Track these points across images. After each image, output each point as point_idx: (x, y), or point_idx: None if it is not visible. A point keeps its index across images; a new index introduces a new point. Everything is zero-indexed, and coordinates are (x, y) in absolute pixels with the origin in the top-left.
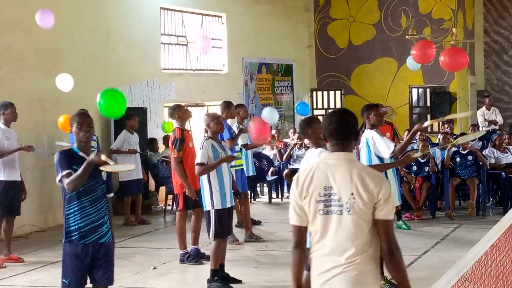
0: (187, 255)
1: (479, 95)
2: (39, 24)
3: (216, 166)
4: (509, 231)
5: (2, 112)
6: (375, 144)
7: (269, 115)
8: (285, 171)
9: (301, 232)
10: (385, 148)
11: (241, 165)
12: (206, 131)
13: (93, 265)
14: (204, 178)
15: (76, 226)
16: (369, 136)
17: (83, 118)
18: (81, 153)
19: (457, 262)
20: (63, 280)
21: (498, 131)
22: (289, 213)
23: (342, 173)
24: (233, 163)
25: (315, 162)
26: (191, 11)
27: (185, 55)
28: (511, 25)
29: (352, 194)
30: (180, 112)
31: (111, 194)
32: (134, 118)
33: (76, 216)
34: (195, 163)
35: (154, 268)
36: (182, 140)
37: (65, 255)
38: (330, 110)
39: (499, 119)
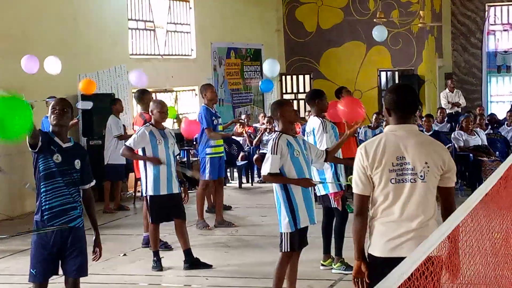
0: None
1: (447, 78)
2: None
3: (141, 159)
4: (474, 211)
5: None
6: (316, 136)
7: (270, 66)
8: (255, 156)
9: (363, 201)
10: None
11: (219, 152)
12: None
13: (64, 255)
14: (141, 165)
15: (46, 206)
16: (315, 125)
17: (57, 103)
18: (56, 138)
19: (423, 242)
20: (31, 270)
21: (466, 113)
22: (353, 183)
23: (413, 144)
24: (209, 150)
25: (382, 134)
26: None
27: (153, 41)
28: (478, 7)
29: (426, 163)
30: (148, 98)
31: (92, 183)
32: (119, 102)
33: (45, 197)
34: (124, 144)
35: (124, 254)
36: None
37: (32, 244)
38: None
39: (462, 101)
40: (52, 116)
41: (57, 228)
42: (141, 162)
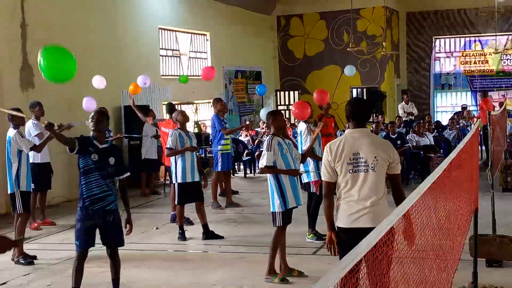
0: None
1: (403, 93)
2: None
3: (181, 152)
4: (424, 195)
5: (32, 110)
6: (302, 137)
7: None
8: (257, 153)
9: (329, 186)
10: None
11: (227, 149)
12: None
13: (103, 230)
14: (172, 160)
15: (87, 195)
16: (302, 129)
17: (95, 113)
18: (94, 141)
19: (386, 218)
20: (75, 242)
21: (418, 121)
22: (322, 172)
23: (366, 143)
24: (220, 147)
25: (343, 135)
26: (182, 30)
27: (178, 64)
28: (427, 39)
29: (375, 157)
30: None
31: (127, 174)
32: (152, 112)
33: (86, 187)
34: (165, 147)
35: (157, 228)
36: None
37: (77, 221)
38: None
39: (415, 111)
40: (91, 123)
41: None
42: (172, 157)
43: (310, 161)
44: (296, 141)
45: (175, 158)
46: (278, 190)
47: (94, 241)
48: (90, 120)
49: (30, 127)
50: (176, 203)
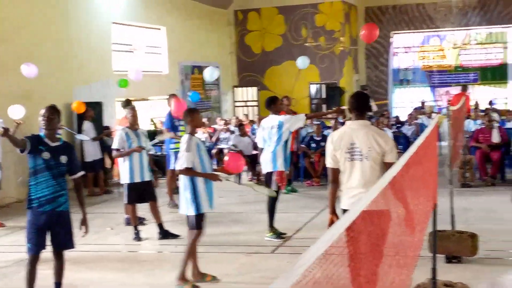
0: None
1: (362, 89)
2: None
3: (127, 154)
4: (385, 190)
5: None
6: (284, 124)
7: (210, 73)
8: (214, 150)
9: (334, 172)
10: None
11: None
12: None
13: (53, 232)
14: (120, 160)
15: (36, 196)
16: (283, 119)
17: (45, 111)
18: (46, 139)
19: (343, 216)
20: (27, 244)
21: (377, 116)
22: (326, 160)
23: (362, 134)
24: (173, 146)
25: (344, 127)
26: (136, 25)
27: (132, 59)
28: (386, 34)
29: (369, 147)
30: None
31: (81, 173)
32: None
33: (36, 188)
34: (111, 147)
35: (111, 228)
36: None
37: (27, 222)
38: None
39: (375, 107)
40: (43, 122)
41: None
42: (120, 158)
43: (279, 156)
44: (256, 137)
45: (123, 158)
46: (192, 194)
47: (45, 243)
48: (41, 118)
49: None
50: (125, 202)
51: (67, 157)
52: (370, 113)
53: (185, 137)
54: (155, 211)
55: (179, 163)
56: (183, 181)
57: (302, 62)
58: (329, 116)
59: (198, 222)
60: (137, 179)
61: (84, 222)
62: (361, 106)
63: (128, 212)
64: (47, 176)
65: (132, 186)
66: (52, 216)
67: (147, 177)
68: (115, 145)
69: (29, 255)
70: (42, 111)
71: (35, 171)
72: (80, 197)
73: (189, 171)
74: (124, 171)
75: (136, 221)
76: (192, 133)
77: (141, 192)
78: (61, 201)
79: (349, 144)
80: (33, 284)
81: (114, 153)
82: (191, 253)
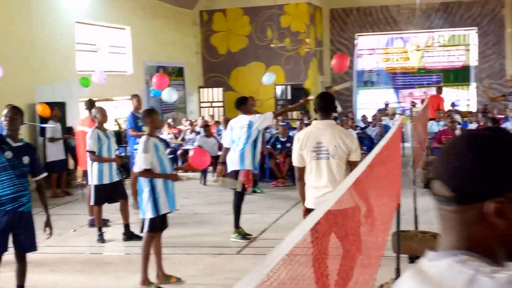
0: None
1: (328, 89)
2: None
3: (106, 161)
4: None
5: None
6: (254, 124)
7: (169, 93)
8: (179, 151)
9: (301, 170)
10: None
11: None
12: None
13: (15, 233)
14: (89, 161)
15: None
16: (252, 119)
17: (8, 111)
18: (8, 139)
19: (310, 215)
20: None
21: (342, 117)
22: (293, 159)
23: (328, 133)
24: (137, 146)
25: (310, 126)
26: (101, 25)
27: (96, 59)
28: (350, 36)
29: (335, 146)
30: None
31: (44, 174)
32: (56, 109)
33: (0, 186)
34: (87, 150)
35: (74, 230)
36: None
37: None
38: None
39: (339, 108)
40: (5, 122)
41: None
42: (89, 159)
43: (248, 155)
44: (221, 138)
45: (91, 160)
46: (151, 195)
47: (7, 245)
48: (3, 119)
49: None
50: (92, 204)
51: (29, 158)
52: (335, 114)
53: (143, 138)
54: (125, 211)
55: (137, 165)
56: (140, 183)
57: (268, 78)
58: (298, 105)
59: (153, 225)
60: (106, 181)
61: (48, 224)
62: (327, 106)
63: (93, 214)
64: (10, 175)
65: (100, 188)
66: (15, 216)
67: (116, 177)
68: (91, 147)
69: None
70: (5, 112)
71: None
72: (43, 199)
73: (148, 173)
74: (93, 173)
75: (100, 223)
76: (151, 134)
77: (109, 193)
78: (23, 201)
79: (316, 143)
80: None
81: (91, 156)
82: (147, 257)
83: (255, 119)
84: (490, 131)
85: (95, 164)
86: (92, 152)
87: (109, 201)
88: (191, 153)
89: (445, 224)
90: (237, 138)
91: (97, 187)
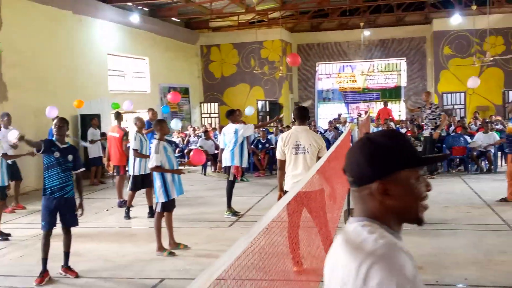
0: (122, 202)
1: (294, 104)
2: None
3: (166, 171)
4: (310, 180)
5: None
6: (239, 132)
7: (175, 123)
8: (186, 150)
9: (282, 162)
10: (247, 131)
11: None
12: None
13: (62, 213)
14: (131, 158)
15: (48, 186)
16: (238, 127)
17: (57, 121)
18: (56, 142)
19: (283, 197)
20: (41, 222)
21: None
22: (277, 153)
23: (304, 135)
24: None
25: (291, 129)
26: (126, 56)
27: (123, 82)
28: (313, 64)
29: (310, 144)
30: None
31: (82, 169)
32: (95, 119)
33: (48, 179)
34: (133, 148)
35: (107, 210)
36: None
37: (42, 206)
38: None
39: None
40: (54, 129)
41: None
42: (131, 155)
43: (236, 154)
44: (217, 141)
45: (134, 159)
46: (162, 185)
47: (55, 222)
48: (54, 126)
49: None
50: (129, 189)
51: (72, 156)
52: None
53: (154, 142)
54: (150, 196)
55: (150, 162)
56: (154, 176)
57: (249, 110)
58: (272, 124)
59: (165, 206)
60: (142, 172)
61: (80, 206)
62: (303, 116)
63: (121, 197)
64: (58, 170)
65: (137, 177)
66: (61, 201)
67: (147, 170)
68: (135, 146)
69: (43, 231)
70: (55, 121)
71: (48, 166)
72: (80, 188)
73: (158, 168)
74: (134, 166)
75: (131, 203)
76: (161, 138)
77: (141, 182)
78: (67, 190)
79: (295, 142)
80: (47, 253)
81: (135, 153)
82: (159, 230)
83: (239, 128)
84: (380, 134)
85: (137, 159)
86: (135, 150)
87: (140, 188)
88: (191, 153)
89: (354, 199)
90: (228, 141)
91: (135, 177)
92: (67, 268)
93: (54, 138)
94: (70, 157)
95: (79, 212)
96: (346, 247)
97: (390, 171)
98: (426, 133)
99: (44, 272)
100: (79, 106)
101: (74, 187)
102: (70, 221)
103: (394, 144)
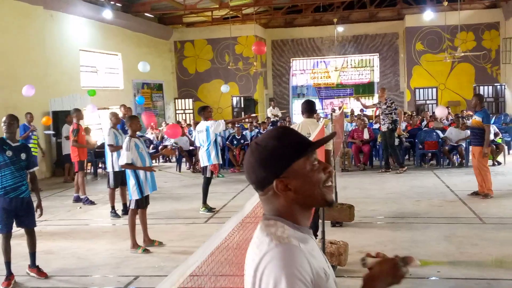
0: (85, 198)
1: (270, 100)
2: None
3: (138, 168)
4: None
5: None
6: (210, 129)
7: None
8: (160, 146)
9: None
10: (218, 129)
11: None
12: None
13: (19, 214)
14: (109, 156)
15: (2, 186)
16: (208, 124)
17: (6, 118)
18: (8, 140)
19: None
20: None
21: (281, 120)
22: None
23: (313, 127)
24: None
25: (300, 122)
26: (98, 51)
27: (96, 78)
28: (287, 60)
29: (308, 133)
30: (79, 115)
31: (35, 168)
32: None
33: (2, 179)
34: (108, 144)
35: (80, 207)
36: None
37: None
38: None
39: (279, 114)
40: (4, 127)
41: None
42: (108, 151)
43: (211, 152)
44: (192, 137)
45: (112, 155)
46: (136, 182)
47: (12, 225)
48: (3, 123)
49: None
50: (112, 187)
51: (25, 155)
52: (276, 118)
53: (126, 139)
54: (124, 193)
55: (121, 159)
56: (127, 173)
57: (225, 88)
58: (246, 120)
59: (138, 203)
60: (120, 168)
61: (39, 206)
62: (311, 109)
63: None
64: (12, 169)
65: (118, 173)
66: (17, 201)
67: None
68: (110, 141)
69: (2, 234)
70: (4, 119)
71: (1, 166)
72: (36, 187)
73: (129, 166)
74: (113, 162)
75: (113, 202)
76: (132, 135)
77: (122, 179)
78: (22, 189)
79: (306, 134)
80: (10, 255)
81: (111, 148)
82: (133, 227)
83: (210, 125)
84: (266, 137)
85: (115, 154)
86: (110, 145)
87: (120, 185)
88: (166, 128)
89: (262, 202)
90: (202, 140)
91: (115, 173)
92: (35, 268)
93: (4, 137)
94: (23, 156)
95: (38, 212)
96: (253, 246)
97: (284, 168)
98: (383, 128)
99: (10, 275)
100: (47, 123)
101: (28, 187)
102: (27, 222)
103: (279, 142)
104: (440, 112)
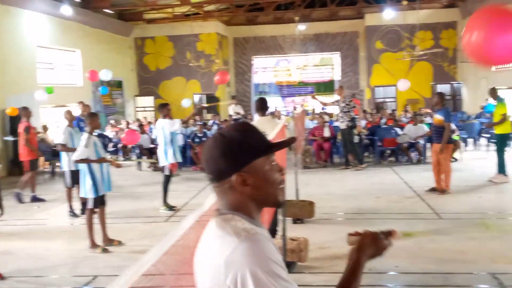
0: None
1: (233, 98)
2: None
3: (96, 161)
4: None
5: None
6: (165, 128)
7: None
8: (120, 144)
9: None
10: (173, 128)
11: None
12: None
13: None
14: (64, 154)
15: None
16: (164, 123)
17: None
18: None
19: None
20: None
21: (244, 118)
22: None
23: (269, 126)
24: None
25: (255, 120)
26: (57, 48)
27: (54, 75)
28: (249, 58)
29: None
30: (27, 113)
31: None
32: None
33: None
34: (59, 143)
35: (38, 207)
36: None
37: None
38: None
39: (242, 111)
40: None
41: None
42: (64, 152)
43: (168, 150)
44: (153, 135)
45: (67, 152)
46: (92, 181)
47: None
48: None
49: None
50: (69, 186)
51: None
52: (239, 116)
53: (84, 135)
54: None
55: (75, 154)
56: (83, 172)
57: (186, 102)
58: (195, 113)
59: (95, 203)
60: (77, 168)
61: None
62: (263, 107)
63: (66, 192)
64: None
65: (75, 172)
66: None
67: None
68: (63, 141)
69: None
70: None
71: None
72: None
73: (82, 160)
74: (70, 161)
75: (71, 201)
76: (91, 132)
77: (77, 178)
78: None
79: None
80: None
81: (62, 148)
82: (91, 227)
83: (165, 124)
84: (232, 129)
85: (70, 154)
86: (63, 145)
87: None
88: (124, 134)
89: (216, 194)
90: (160, 140)
91: (72, 172)
92: None
93: None
94: None
95: None
96: (213, 242)
97: (245, 163)
98: (342, 126)
99: None
100: (13, 114)
101: None
102: None
103: (245, 136)
104: (403, 85)
